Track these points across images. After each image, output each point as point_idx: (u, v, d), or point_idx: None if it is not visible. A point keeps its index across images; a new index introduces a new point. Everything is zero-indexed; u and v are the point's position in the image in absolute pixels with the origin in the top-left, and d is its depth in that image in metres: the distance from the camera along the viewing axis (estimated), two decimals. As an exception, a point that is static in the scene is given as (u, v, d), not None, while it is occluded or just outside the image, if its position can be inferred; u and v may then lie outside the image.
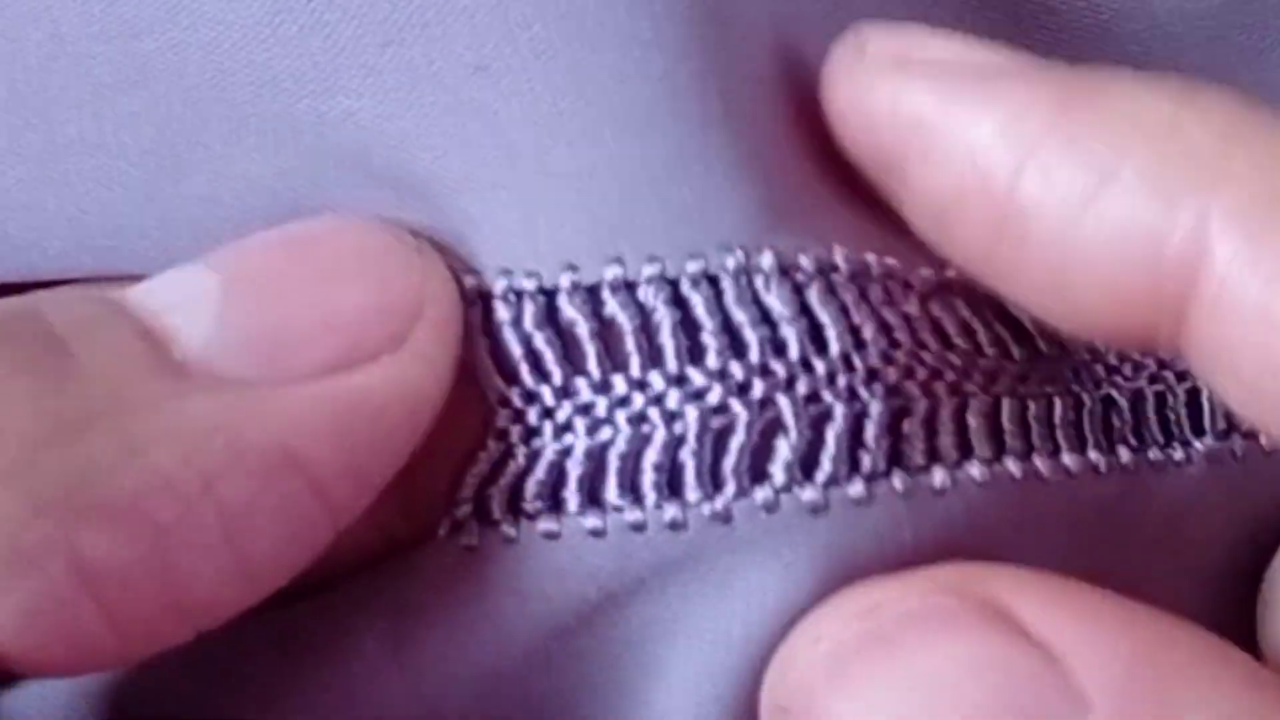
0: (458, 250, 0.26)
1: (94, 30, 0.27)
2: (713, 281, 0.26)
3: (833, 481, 0.26)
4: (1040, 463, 0.27)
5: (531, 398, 0.26)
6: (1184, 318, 0.25)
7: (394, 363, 0.25)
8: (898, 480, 0.26)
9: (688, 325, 0.26)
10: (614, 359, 0.26)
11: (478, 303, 0.26)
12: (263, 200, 0.27)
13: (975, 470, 0.26)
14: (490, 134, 0.26)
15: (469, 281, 0.26)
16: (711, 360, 0.26)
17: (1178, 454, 0.28)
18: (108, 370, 0.24)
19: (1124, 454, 0.28)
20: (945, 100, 0.26)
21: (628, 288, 0.26)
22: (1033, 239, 0.25)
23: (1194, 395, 0.29)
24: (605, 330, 0.26)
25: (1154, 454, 0.28)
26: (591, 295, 0.26)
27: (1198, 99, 0.25)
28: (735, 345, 0.26)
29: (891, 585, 0.25)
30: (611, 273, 0.26)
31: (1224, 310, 0.24)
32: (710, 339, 0.26)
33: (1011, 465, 0.27)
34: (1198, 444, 0.29)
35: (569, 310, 0.26)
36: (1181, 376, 0.29)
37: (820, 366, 0.26)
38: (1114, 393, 0.28)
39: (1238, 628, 0.27)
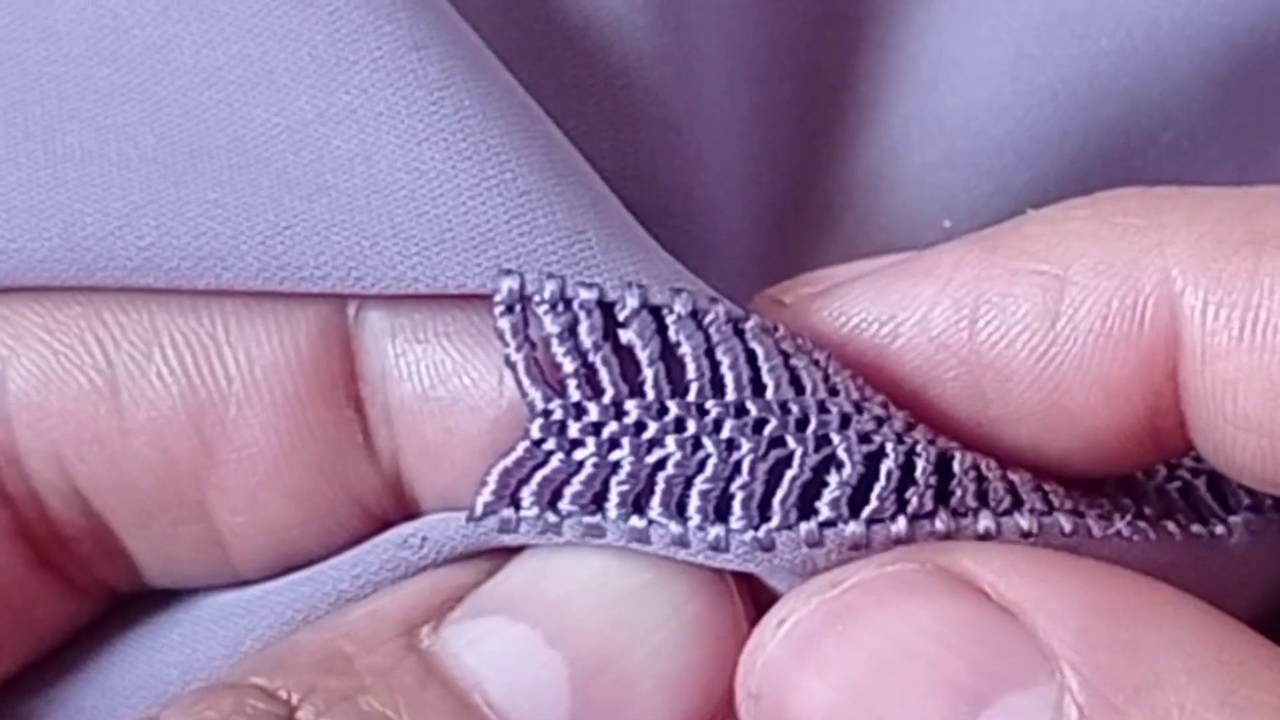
0: (475, 246, 0.25)
1: (86, 28, 0.26)
2: (769, 331, 0.26)
3: (877, 519, 0.25)
4: (1093, 522, 0.26)
5: (578, 411, 0.25)
6: (1181, 388, 0.25)
7: None
8: (940, 522, 0.26)
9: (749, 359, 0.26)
10: (672, 383, 0.25)
11: (517, 305, 0.25)
12: (266, 204, 0.25)
13: (1024, 520, 0.26)
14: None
15: (507, 282, 0.25)
16: (770, 393, 0.26)
17: (1219, 529, 0.28)
18: None
19: (1172, 527, 0.27)
20: (880, 294, 0.26)
21: (693, 316, 0.25)
22: (1014, 379, 0.26)
23: (1214, 481, 0.28)
24: (667, 355, 0.25)
25: (1198, 529, 0.28)
26: (655, 318, 0.25)
27: (1106, 196, 0.26)
28: (794, 382, 0.26)
29: (851, 564, 0.25)
30: (680, 302, 0.25)
31: (1212, 352, 0.25)
32: (769, 376, 0.26)
33: (1063, 520, 0.26)
34: (1235, 519, 0.28)
35: (634, 331, 0.25)
36: (1196, 472, 0.28)
37: (869, 411, 0.26)
38: (1137, 489, 0.28)
39: None
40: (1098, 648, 0.24)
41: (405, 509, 0.27)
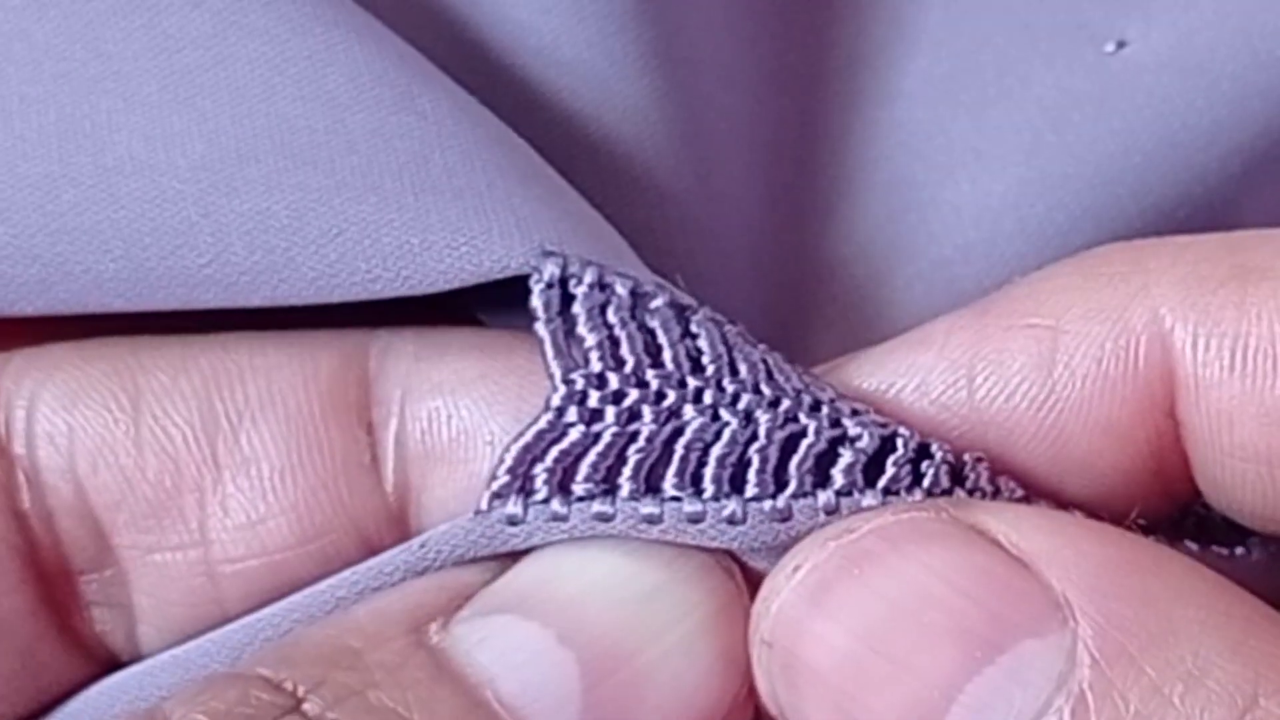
0: (524, 232, 0.26)
1: (137, 47, 0.27)
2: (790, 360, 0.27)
3: (893, 490, 0.26)
4: None
5: (600, 381, 0.26)
6: (1181, 425, 0.26)
7: None
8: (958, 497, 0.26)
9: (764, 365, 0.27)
10: (691, 360, 0.26)
11: (557, 284, 0.26)
12: (317, 212, 0.26)
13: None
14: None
15: (551, 264, 0.26)
16: (783, 383, 0.26)
17: (1239, 550, 0.28)
18: None
19: (1193, 546, 0.28)
20: (878, 365, 0.27)
21: (714, 321, 0.27)
22: (1017, 431, 0.26)
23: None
24: (688, 337, 0.26)
25: (1217, 549, 0.28)
26: (679, 314, 0.26)
27: (1089, 254, 0.27)
28: (806, 386, 0.27)
29: (866, 512, 0.25)
30: (704, 309, 0.27)
31: (1205, 383, 0.26)
32: (780, 376, 0.26)
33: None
34: (1253, 539, 0.28)
35: (660, 317, 0.26)
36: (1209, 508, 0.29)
37: (879, 419, 0.26)
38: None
39: None
40: (1111, 596, 0.24)
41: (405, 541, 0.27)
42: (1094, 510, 0.27)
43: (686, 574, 0.26)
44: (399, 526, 0.27)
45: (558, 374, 0.26)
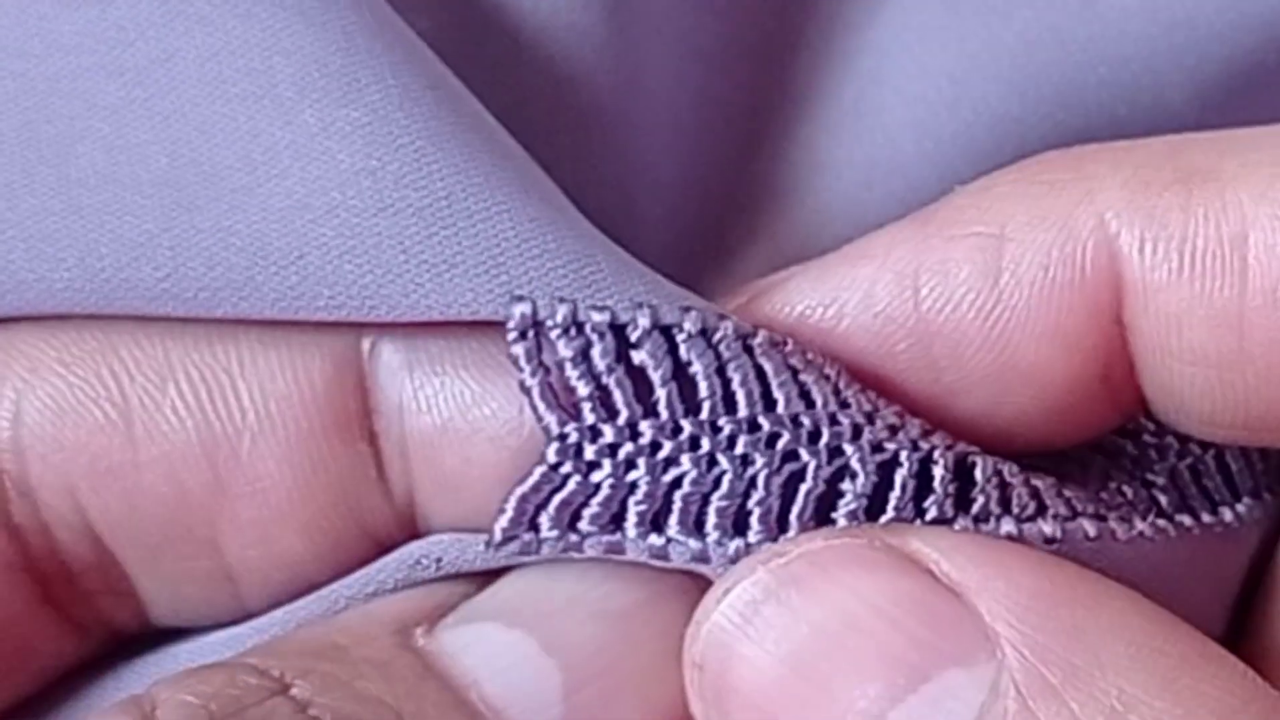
0: (487, 270, 0.26)
1: (91, 41, 0.27)
2: (777, 346, 0.26)
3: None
4: (1116, 525, 0.27)
5: (594, 434, 0.26)
6: (1128, 330, 0.26)
7: None
8: (959, 526, 0.26)
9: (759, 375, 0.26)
10: (685, 402, 0.26)
11: (530, 331, 0.25)
12: (279, 232, 0.26)
13: (1047, 526, 0.26)
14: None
15: (519, 308, 0.25)
16: (781, 408, 0.26)
17: (1228, 515, 0.28)
18: None
19: (1189, 521, 0.28)
20: (820, 280, 0.27)
21: (703, 334, 0.26)
22: (964, 342, 0.26)
23: (1220, 458, 0.29)
24: (679, 374, 0.26)
25: (1207, 518, 0.28)
26: (666, 338, 0.26)
27: (1029, 161, 0.27)
28: (804, 396, 0.26)
29: (798, 536, 0.26)
30: (690, 321, 0.26)
31: (1153, 287, 0.25)
32: (779, 391, 0.26)
33: (1087, 525, 0.27)
34: (1240, 506, 0.29)
35: (648, 348, 0.26)
36: (1205, 446, 0.29)
37: (880, 420, 0.26)
38: (1150, 474, 0.28)
39: None
40: (1039, 629, 0.24)
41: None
42: (1041, 430, 0.27)
43: (669, 592, 0.26)
44: (410, 531, 0.27)
45: (552, 428, 0.26)
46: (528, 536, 0.26)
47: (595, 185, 0.30)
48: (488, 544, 0.26)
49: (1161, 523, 0.27)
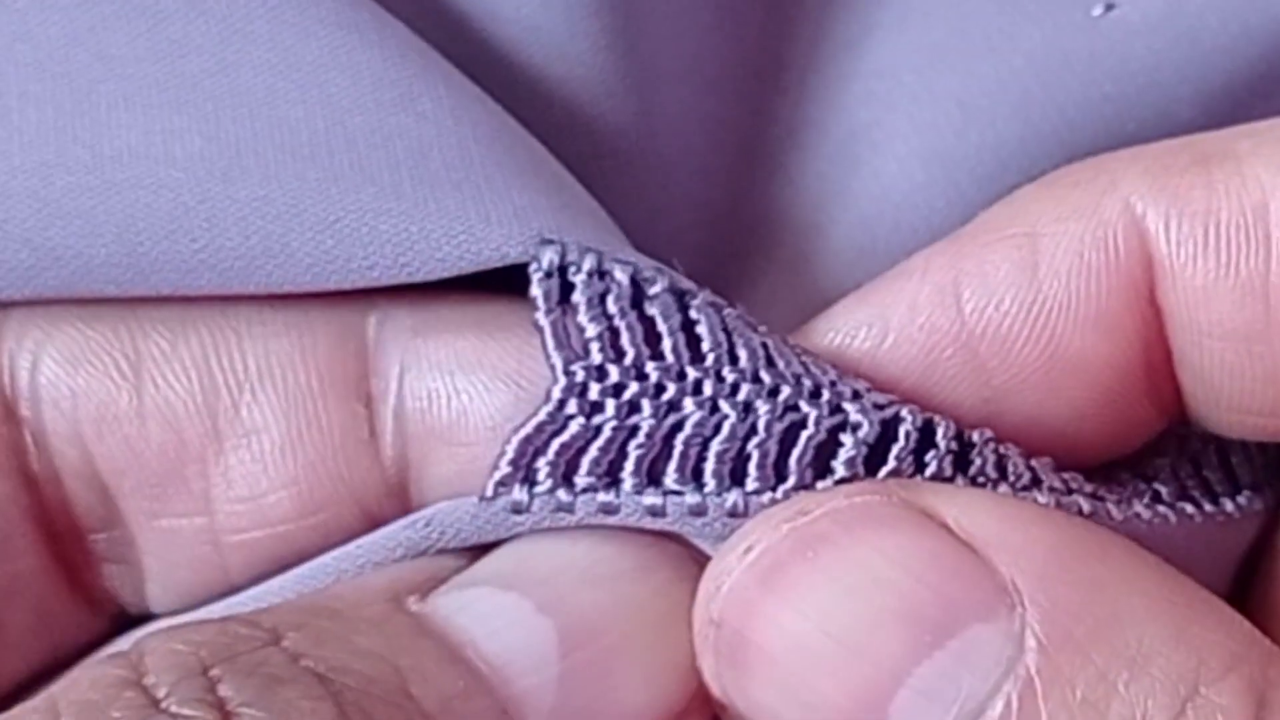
0: (522, 219, 0.26)
1: (139, 51, 0.28)
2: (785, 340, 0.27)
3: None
4: (1112, 506, 0.27)
5: (600, 373, 0.26)
6: (1161, 311, 0.26)
7: None
8: (960, 485, 0.26)
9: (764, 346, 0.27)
10: (691, 351, 0.26)
11: (555, 273, 0.26)
12: (314, 200, 0.27)
13: (1042, 497, 0.27)
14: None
15: (548, 249, 0.26)
16: (783, 367, 0.27)
17: (1229, 506, 0.29)
18: None
19: (1190, 509, 0.28)
20: (861, 302, 0.28)
21: (713, 306, 0.27)
22: (1010, 339, 0.27)
23: (1222, 451, 0.29)
24: (688, 324, 0.27)
25: (1210, 508, 0.28)
26: (679, 299, 0.27)
27: (1053, 173, 0.28)
28: (805, 368, 0.27)
29: (818, 494, 0.26)
30: (703, 293, 0.27)
31: (1180, 263, 0.26)
32: (779, 358, 0.27)
33: (1082, 501, 0.27)
34: (1240, 498, 0.29)
35: (660, 304, 0.26)
36: (1207, 440, 0.29)
37: (883, 398, 0.27)
38: (1150, 470, 0.29)
39: None
40: (1058, 582, 0.25)
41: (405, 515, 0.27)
42: (1094, 425, 0.27)
43: (663, 558, 0.26)
44: (399, 500, 0.28)
45: (559, 365, 0.26)
46: (519, 494, 0.26)
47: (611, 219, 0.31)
48: (482, 496, 0.26)
49: (1160, 507, 0.28)
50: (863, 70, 0.34)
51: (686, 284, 0.27)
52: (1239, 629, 0.25)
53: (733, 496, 0.26)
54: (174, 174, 0.27)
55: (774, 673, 0.25)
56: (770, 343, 0.27)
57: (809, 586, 0.25)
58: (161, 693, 0.23)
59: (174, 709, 0.23)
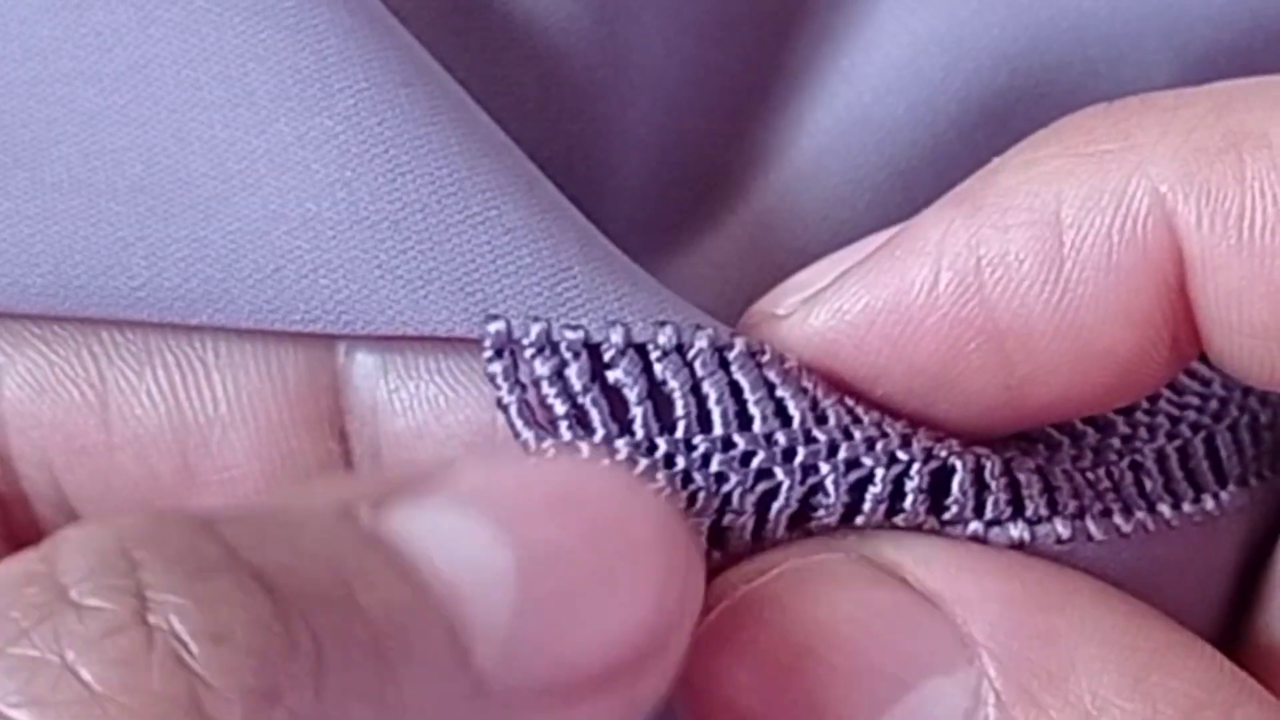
0: (462, 287, 0.26)
1: (70, 45, 0.27)
2: (754, 356, 0.26)
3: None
4: (1092, 524, 0.27)
5: (571, 451, 0.26)
6: (1190, 302, 0.26)
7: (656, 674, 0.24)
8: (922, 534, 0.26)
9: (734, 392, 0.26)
10: (660, 420, 0.26)
11: (506, 349, 0.26)
12: (254, 244, 0.26)
13: (1015, 530, 0.26)
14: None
15: (494, 327, 0.25)
16: (757, 426, 0.26)
17: (1209, 504, 0.28)
18: (424, 697, 0.22)
19: (1166, 510, 0.28)
20: (875, 284, 0.26)
21: (678, 350, 0.26)
22: (1036, 333, 0.26)
23: (1210, 442, 0.29)
24: (654, 391, 0.26)
25: (1189, 508, 0.28)
26: (640, 355, 0.26)
27: (1069, 126, 0.26)
28: (780, 414, 0.26)
29: (774, 552, 0.26)
30: (664, 335, 0.26)
31: (1213, 263, 0.25)
32: (755, 408, 0.26)
33: (1060, 526, 0.27)
34: (1224, 494, 0.29)
35: (621, 370, 0.26)
36: (1196, 428, 0.29)
37: (859, 434, 0.26)
38: (1138, 457, 0.28)
39: None
40: (1014, 635, 0.25)
41: None
42: (1116, 395, 0.27)
43: (631, 489, 0.25)
44: None
45: (530, 444, 0.26)
46: None
47: (578, 152, 0.30)
48: None
49: (1141, 515, 0.28)
50: (850, 18, 0.33)
51: (643, 333, 0.26)
52: (1205, 672, 0.25)
53: (714, 557, 0.26)
54: (114, 207, 0.26)
55: None
56: (744, 383, 0.26)
57: (765, 645, 0.25)
58: (71, 581, 0.21)
59: (85, 600, 0.21)
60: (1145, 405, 0.29)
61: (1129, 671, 0.25)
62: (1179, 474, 0.29)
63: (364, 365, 0.26)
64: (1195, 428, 0.29)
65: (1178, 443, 0.29)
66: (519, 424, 0.26)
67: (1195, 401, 0.29)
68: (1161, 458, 0.29)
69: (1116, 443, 0.29)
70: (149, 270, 0.26)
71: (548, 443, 0.26)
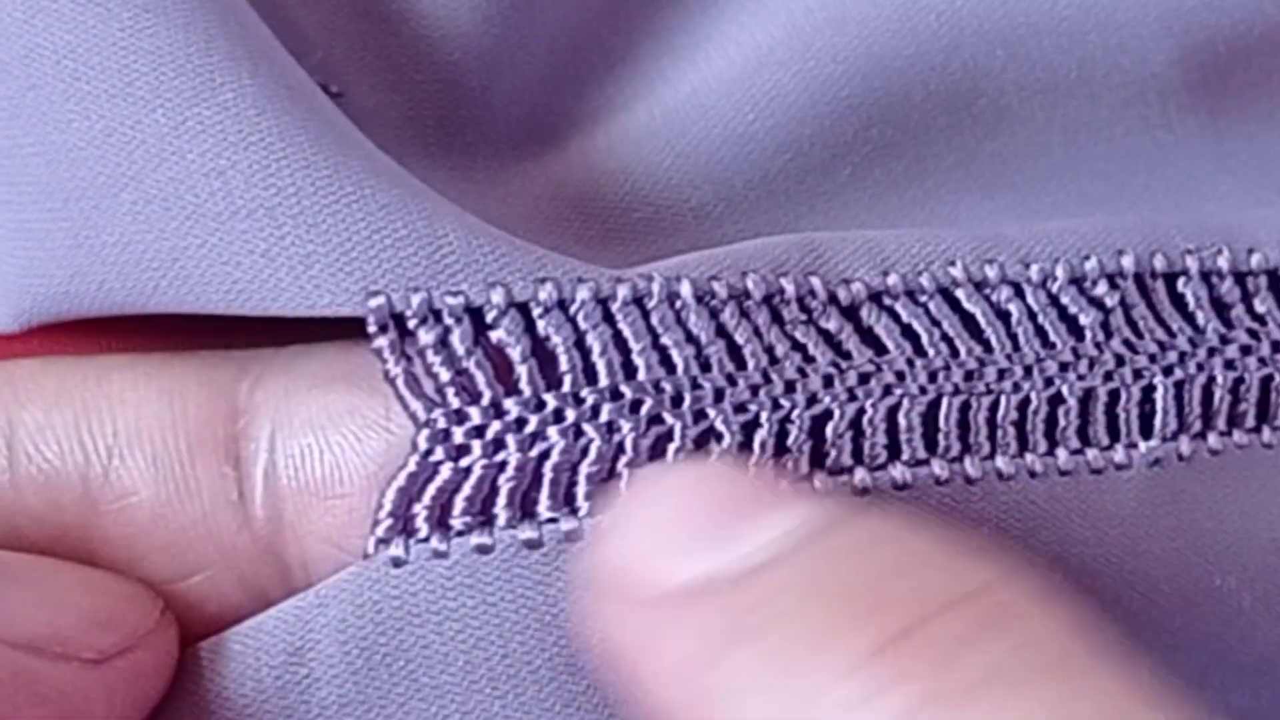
0: (345, 268, 0.26)
1: None
2: (639, 303, 0.26)
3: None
4: (970, 465, 0.27)
5: (460, 417, 0.26)
6: None
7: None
8: (818, 481, 0.26)
9: (618, 343, 0.26)
10: (546, 376, 0.26)
11: (389, 323, 0.26)
12: (143, 234, 0.26)
13: (896, 471, 0.27)
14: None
15: (375, 302, 0.25)
16: (643, 374, 0.26)
17: (1119, 455, 0.28)
18: None
19: (1063, 456, 0.28)
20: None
21: (560, 305, 0.26)
22: None
23: (1148, 393, 0.28)
24: (538, 348, 0.26)
25: (1093, 455, 0.28)
26: (523, 313, 0.26)
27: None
28: (665, 362, 0.26)
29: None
30: (545, 292, 0.26)
31: None
32: (639, 358, 0.26)
33: (938, 467, 0.27)
34: (1142, 446, 0.28)
35: (504, 330, 0.26)
36: (1138, 374, 0.28)
37: (743, 380, 0.26)
38: (1064, 390, 0.28)
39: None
40: None
41: (282, 578, 0.27)
42: None
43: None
44: (272, 561, 0.27)
45: (420, 415, 0.26)
46: (397, 548, 0.26)
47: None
48: (364, 555, 0.26)
49: (1030, 458, 0.27)
50: None
51: (523, 292, 0.26)
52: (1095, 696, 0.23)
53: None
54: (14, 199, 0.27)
55: None
56: (627, 333, 0.26)
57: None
58: None
59: None
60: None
61: None
62: (1100, 418, 0.28)
63: (268, 391, 0.27)
64: (1138, 374, 0.28)
65: (1112, 384, 0.28)
66: (407, 395, 0.26)
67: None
68: (1088, 397, 0.28)
69: (1053, 366, 0.28)
70: (69, 277, 0.27)
71: (436, 412, 0.26)
